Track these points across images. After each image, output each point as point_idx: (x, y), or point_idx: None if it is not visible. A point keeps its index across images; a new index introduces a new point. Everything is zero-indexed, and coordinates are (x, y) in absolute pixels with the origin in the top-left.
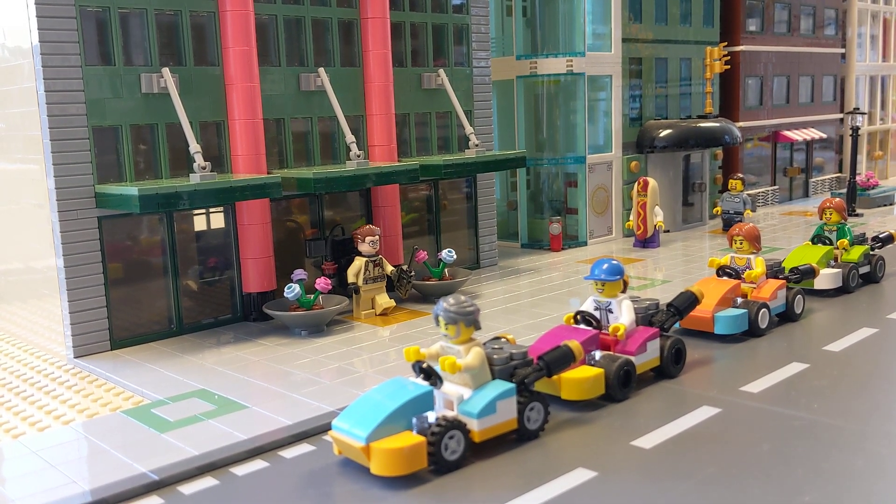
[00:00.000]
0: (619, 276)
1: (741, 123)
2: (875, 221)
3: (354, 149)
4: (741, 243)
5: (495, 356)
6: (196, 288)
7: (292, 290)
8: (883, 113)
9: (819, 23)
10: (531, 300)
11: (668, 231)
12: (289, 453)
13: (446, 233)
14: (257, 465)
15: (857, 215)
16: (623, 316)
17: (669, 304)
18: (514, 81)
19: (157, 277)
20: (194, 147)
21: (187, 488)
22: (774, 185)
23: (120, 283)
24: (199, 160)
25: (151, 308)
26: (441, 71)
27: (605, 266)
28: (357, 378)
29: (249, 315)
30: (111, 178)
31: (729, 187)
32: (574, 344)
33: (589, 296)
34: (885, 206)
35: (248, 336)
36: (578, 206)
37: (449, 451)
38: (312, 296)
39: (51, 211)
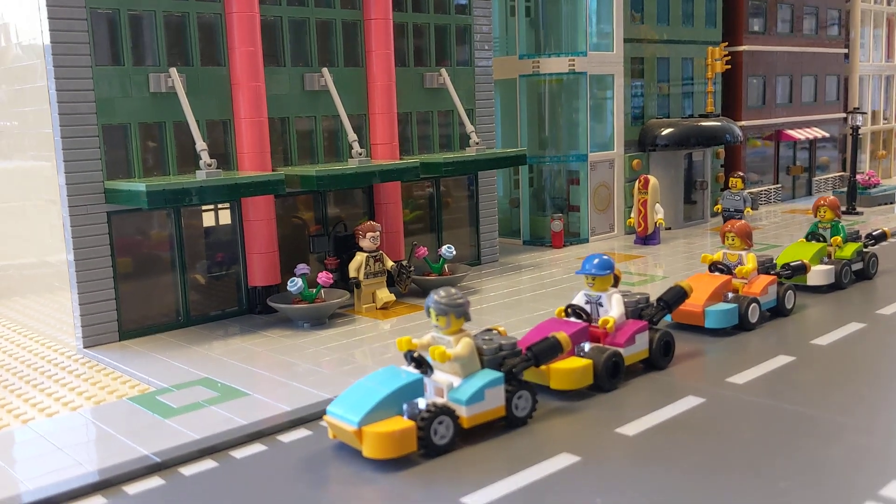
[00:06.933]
0: (609, 271)
1: (744, 122)
2: (876, 220)
3: (357, 147)
4: (733, 239)
5: (485, 346)
6: (203, 281)
7: (295, 284)
8: (888, 112)
9: (822, 23)
10: (531, 295)
11: (669, 228)
12: (286, 438)
13: (448, 230)
14: (256, 448)
15: (857, 213)
16: (613, 309)
17: (659, 299)
18: (516, 80)
19: (165, 271)
20: (200, 145)
21: (187, 470)
22: (777, 183)
23: (129, 276)
24: (205, 157)
25: (159, 301)
26: (443, 70)
27: (596, 261)
28: (357, 368)
29: (254, 308)
30: (120, 175)
31: (730, 185)
32: (562, 335)
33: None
34: (885, 204)
35: (252, 328)
36: (580, 203)
37: (438, 435)
38: (315, 289)
39: (62, 206)
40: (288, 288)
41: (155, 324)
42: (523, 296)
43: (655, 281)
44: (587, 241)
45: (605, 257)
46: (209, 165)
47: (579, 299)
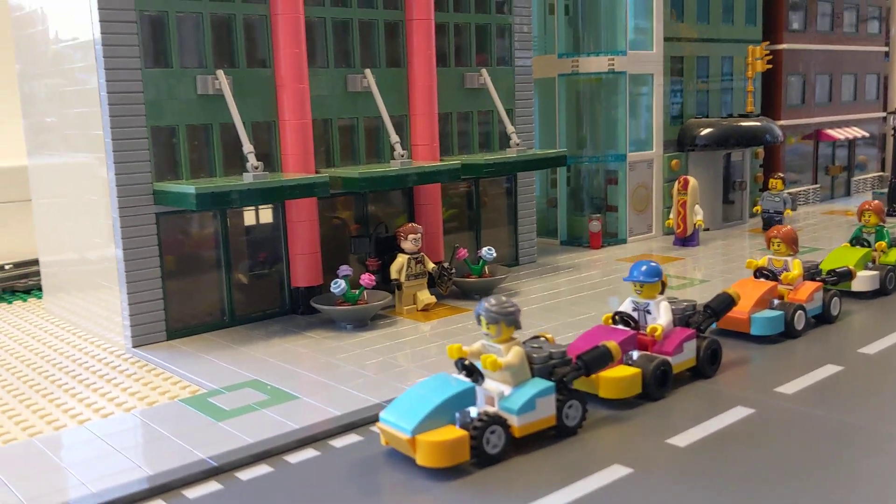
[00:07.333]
0: (657, 278)
1: (783, 122)
2: None
3: (398, 149)
4: (779, 245)
5: (535, 355)
6: (247, 281)
7: (338, 286)
8: None
9: (863, 21)
10: (570, 298)
11: (707, 229)
12: (338, 443)
13: (486, 229)
14: (309, 453)
15: None
16: (661, 317)
17: (706, 306)
18: (555, 79)
19: (210, 271)
20: (247, 147)
21: (244, 474)
22: (816, 183)
23: (175, 275)
24: (251, 160)
25: (205, 300)
26: (483, 70)
27: (644, 268)
28: (400, 372)
29: (297, 308)
30: (168, 176)
31: (769, 186)
32: (612, 345)
33: (628, 295)
34: None
35: (296, 329)
36: (619, 203)
37: (490, 444)
38: (357, 291)
39: (111, 207)
40: (331, 290)
41: (200, 323)
42: (563, 299)
43: (695, 285)
44: (625, 241)
45: (653, 264)
46: (256, 168)
47: (627, 306)
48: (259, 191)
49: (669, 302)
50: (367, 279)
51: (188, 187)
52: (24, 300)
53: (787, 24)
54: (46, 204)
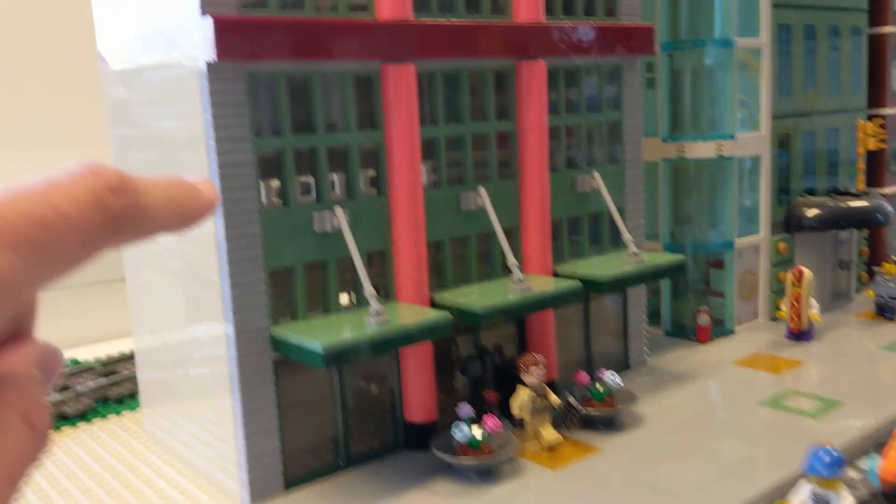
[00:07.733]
0: (841, 470)
1: (886, 189)
2: None
3: (517, 273)
4: None
5: None
6: (360, 416)
7: (461, 431)
8: None
9: None
10: (700, 427)
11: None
12: None
13: (594, 323)
14: None
15: None
16: None
17: (887, 495)
18: (658, 164)
19: (322, 407)
20: (369, 290)
21: None
22: None
23: (289, 415)
24: (374, 304)
25: (318, 439)
26: (595, 173)
27: (827, 459)
28: None
29: (411, 444)
30: (284, 318)
31: (883, 270)
32: None
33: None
34: None
35: (415, 475)
36: (725, 290)
37: None
38: (482, 436)
39: (228, 354)
40: (453, 434)
41: (316, 466)
42: (692, 431)
43: (830, 411)
44: (732, 331)
45: (836, 454)
46: (378, 314)
47: (805, 496)
48: (385, 342)
49: (848, 489)
50: (492, 424)
51: (314, 343)
52: (118, 413)
53: (890, 87)
54: (144, 318)
